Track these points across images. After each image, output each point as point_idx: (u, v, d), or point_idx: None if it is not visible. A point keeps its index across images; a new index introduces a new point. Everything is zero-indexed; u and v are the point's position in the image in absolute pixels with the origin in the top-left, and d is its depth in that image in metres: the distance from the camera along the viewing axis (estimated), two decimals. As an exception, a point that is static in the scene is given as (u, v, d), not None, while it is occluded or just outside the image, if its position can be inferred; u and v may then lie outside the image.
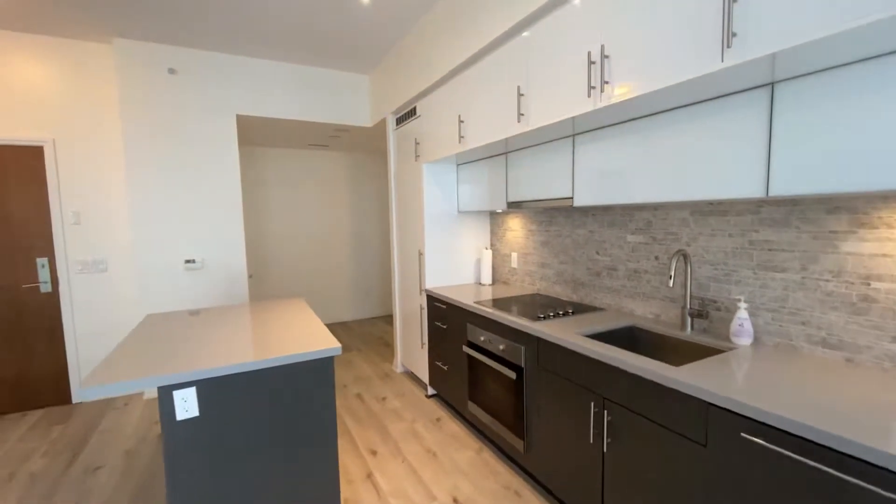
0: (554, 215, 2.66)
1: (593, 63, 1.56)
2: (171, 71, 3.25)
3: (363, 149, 5.39)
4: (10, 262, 3.02)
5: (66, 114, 3.14)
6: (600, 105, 1.55)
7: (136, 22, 2.84)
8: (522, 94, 1.97)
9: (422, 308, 3.21)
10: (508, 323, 2.11)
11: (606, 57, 1.52)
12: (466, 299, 2.61)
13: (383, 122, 3.83)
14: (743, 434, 1.15)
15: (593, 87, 1.56)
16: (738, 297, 1.67)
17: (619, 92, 1.48)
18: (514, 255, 3.06)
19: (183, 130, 3.31)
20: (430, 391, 3.20)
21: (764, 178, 1.30)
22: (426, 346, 3.16)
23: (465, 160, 2.96)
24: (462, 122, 2.51)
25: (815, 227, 1.46)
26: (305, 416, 1.71)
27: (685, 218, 1.88)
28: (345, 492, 2.11)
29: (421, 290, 3.20)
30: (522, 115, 1.98)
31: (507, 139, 2.17)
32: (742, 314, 1.61)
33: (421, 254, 3.17)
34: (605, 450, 1.60)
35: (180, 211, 3.35)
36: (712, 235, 1.78)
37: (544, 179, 2.23)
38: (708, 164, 1.45)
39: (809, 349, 1.49)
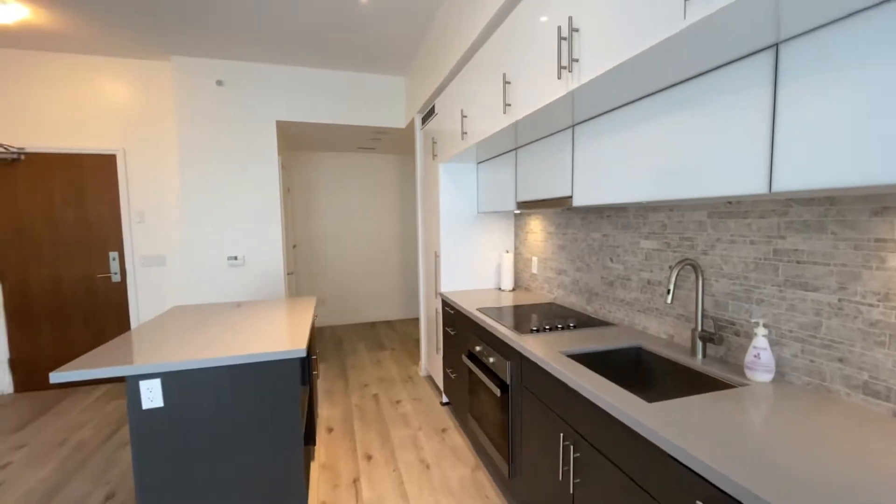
0: (571, 216, 2.40)
1: (563, 39, 1.34)
2: (219, 83, 3.53)
3: (409, 150, 5.42)
4: (88, 255, 3.51)
5: (134, 126, 3.56)
6: (572, 86, 1.32)
7: (191, 40, 3.12)
8: (508, 82, 1.77)
9: (437, 312, 3.10)
10: (497, 334, 1.92)
11: (576, 30, 1.29)
12: (472, 305, 2.45)
13: (413, 123, 3.79)
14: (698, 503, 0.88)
15: (564, 68, 1.34)
16: (757, 321, 1.33)
17: (589, 69, 1.24)
18: (535, 260, 2.82)
19: (228, 137, 3.58)
20: (445, 399, 3.08)
21: (765, 167, 1.00)
22: (441, 352, 3.05)
23: (485, 158, 2.79)
24: (465, 117, 2.36)
25: (857, 234, 1.10)
26: (268, 417, 1.70)
27: (702, 221, 1.55)
28: (326, 495, 2.08)
29: (436, 294, 3.10)
30: (509, 105, 1.78)
31: (514, 132, 1.97)
32: (760, 342, 1.27)
33: (437, 255, 3.06)
34: (571, 490, 1.36)
35: (225, 211, 3.62)
36: (732, 242, 1.44)
37: (547, 177, 2.00)
38: (697, 154, 1.16)
39: (847, 395, 1.13)
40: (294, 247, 5.03)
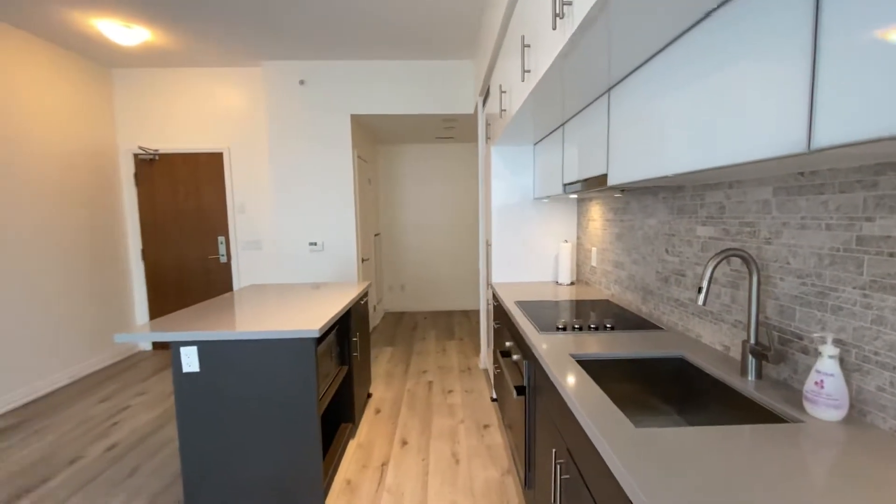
0: (628, 200, 2.06)
1: (559, -20, 1.11)
2: (302, 82, 3.84)
3: (489, 137, 5.28)
4: (203, 239, 4.14)
5: (236, 126, 4.07)
6: (567, 35, 1.09)
7: (278, 45, 3.45)
8: (527, 45, 1.56)
9: (488, 303, 2.96)
10: (520, 330, 1.74)
11: (567, -33, 1.06)
12: (513, 298, 2.27)
13: (477, 108, 3.65)
14: (644, 568, 0.66)
15: (557, 16, 1.11)
16: (824, 335, 0.96)
17: (580, 10, 1.01)
18: (594, 251, 2.51)
19: (309, 133, 3.88)
20: (494, 394, 2.94)
21: (805, 115, 0.69)
22: (491, 346, 2.92)
23: (540, 136, 2.55)
24: (503, 92, 2.17)
25: (983, 212, 0.71)
26: (286, 390, 1.79)
27: (765, 200, 1.18)
28: (353, 474, 2.14)
29: (488, 285, 2.96)
30: (528, 71, 1.57)
31: (548, 103, 1.75)
32: (826, 365, 0.92)
33: (489, 244, 2.92)
34: (559, 517, 1.16)
35: (306, 201, 3.95)
36: (802, 227, 1.06)
37: (585, 153, 1.74)
38: (715, 110, 0.87)
39: (957, 457, 0.74)
40: (376, 235, 5.29)
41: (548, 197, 2.55)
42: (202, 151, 4.05)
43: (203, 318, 1.97)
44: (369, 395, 3.06)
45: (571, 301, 2.17)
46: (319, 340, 2.00)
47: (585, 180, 1.73)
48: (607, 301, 2.16)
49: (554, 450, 1.22)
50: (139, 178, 4.06)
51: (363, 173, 4.52)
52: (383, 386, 3.24)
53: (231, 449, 1.81)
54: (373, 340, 4.44)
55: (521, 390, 1.69)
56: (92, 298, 3.70)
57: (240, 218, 4.15)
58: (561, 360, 1.31)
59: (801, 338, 1.07)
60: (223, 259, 4.17)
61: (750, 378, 1.14)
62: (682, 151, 1.03)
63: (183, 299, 4.19)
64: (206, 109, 4.03)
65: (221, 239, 4.15)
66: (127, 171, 4.05)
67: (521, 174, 2.81)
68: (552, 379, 1.23)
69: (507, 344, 2.04)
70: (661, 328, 1.64)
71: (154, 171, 4.06)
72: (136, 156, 4.03)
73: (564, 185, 2.08)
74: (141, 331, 1.76)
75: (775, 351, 1.11)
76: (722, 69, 0.88)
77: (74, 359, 3.51)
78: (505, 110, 2.16)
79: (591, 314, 1.87)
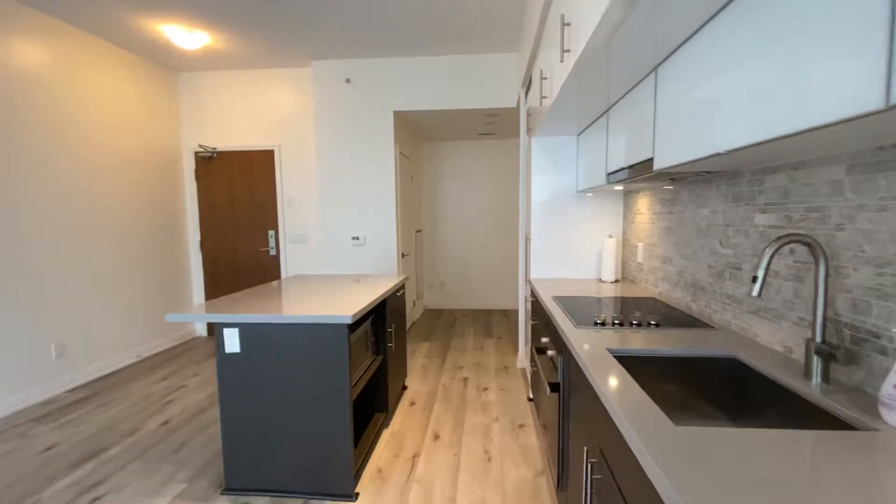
0: (678, 190, 1.91)
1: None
2: (348, 81, 3.94)
3: (533, 133, 5.16)
4: (255, 232, 4.36)
5: (286, 124, 4.25)
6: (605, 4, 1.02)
7: (327, 44, 3.57)
8: (567, 24, 1.49)
9: (526, 300, 2.88)
10: (556, 325, 1.67)
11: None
12: (551, 293, 2.19)
13: (520, 101, 3.57)
14: (674, 575, 0.58)
15: (596, -17, 1.04)
16: (913, 333, 0.82)
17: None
18: (641, 247, 2.36)
19: (353, 130, 3.97)
20: (530, 394, 2.85)
21: (883, 67, 0.59)
22: (528, 343, 2.83)
23: (585, 126, 2.45)
24: (544, 78, 2.10)
25: None
26: (320, 374, 1.83)
27: (837, 181, 1.04)
28: (385, 462, 2.15)
29: (526, 281, 2.88)
30: (567, 51, 1.50)
31: (592, 87, 1.67)
32: (909, 367, 0.79)
33: (528, 239, 2.84)
34: (588, 520, 1.09)
35: (349, 196, 4.05)
36: (880, 210, 0.93)
37: (630, 138, 1.63)
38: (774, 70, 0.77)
39: None
40: (418, 231, 5.33)
41: (591, 190, 2.43)
42: (255, 149, 4.27)
43: (246, 302, 2.05)
44: (404, 388, 3.07)
45: (614, 298, 2.05)
46: (353, 328, 2.03)
47: (631, 167, 1.63)
48: (653, 299, 2.03)
49: (586, 448, 1.14)
50: (199, 173, 4.34)
51: (405, 170, 4.56)
52: (419, 379, 3.24)
53: (267, 429, 1.87)
54: (411, 335, 4.47)
55: (554, 387, 1.61)
56: (156, 285, 4.01)
57: (288, 212, 4.33)
58: (597, 355, 1.23)
59: (877, 336, 0.93)
60: (272, 252, 4.37)
61: (815, 381, 1.01)
62: (737, 124, 0.93)
63: (235, 288, 4.43)
64: (259, 109, 4.24)
65: (271, 232, 4.35)
66: (188, 167, 4.34)
67: (563, 167, 2.70)
68: (585, 373, 1.16)
69: (543, 340, 1.96)
70: (713, 327, 1.51)
71: (212, 167, 4.32)
72: (196, 153, 4.31)
73: (608, 174, 1.98)
74: (190, 311, 1.86)
75: (846, 351, 0.98)
76: (783, 24, 0.78)
77: (139, 340, 3.81)
78: (546, 97, 2.08)
79: (634, 311, 1.76)
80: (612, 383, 1.01)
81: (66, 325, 3.14)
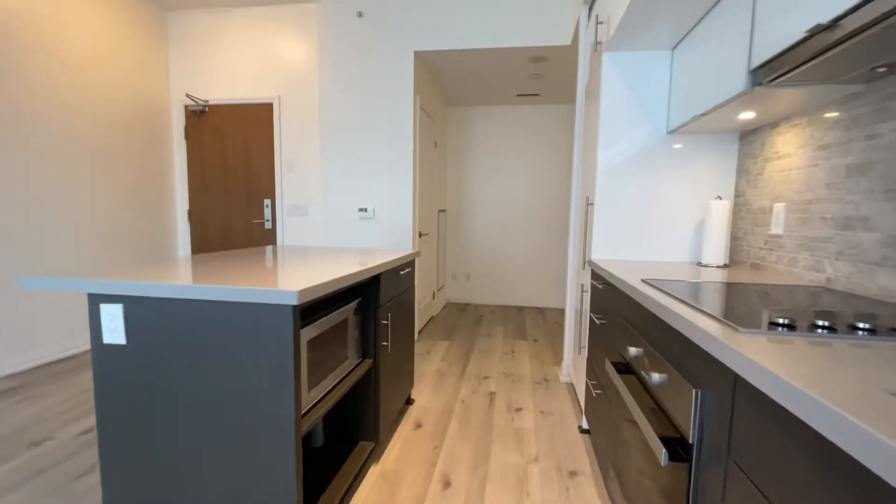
0: (891, 94, 1.05)
1: None
2: (359, 14, 3.21)
3: (584, 96, 4.27)
4: (249, 201, 3.71)
5: (287, 73, 3.56)
6: None
7: (320, -38, 2.85)
8: None
9: (583, 290, 2.05)
10: (677, 324, 0.85)
11: None
12: (634, 275, 1.37)
13: (578, 30, 2.72)
14: None
15: None
16: None
17: None
18: (779, 210, 1.49)
19: (365, 76, 3.24)
20: (585, 423, 2.02)
21: None
22: (584, 351, 2.01)
23: (689, 27, 1.60)
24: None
25: None
26: (251, 389, 1.08)
27: None
28: (363, 526, 1.39)
29: (584, 263, 2.05)
30: None
31: None
32: None
33: (590, 203, 2.01)
34: None
35: (357, 159, 3.32)
36: None
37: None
38: None
39: None
40: (441, 212, 4.56)
41: (694, 125, 1.57)
42: (251, 102, 3.61)
43: (151, 270, 1.34)
44: (409, 401, 2.31)
45: (751, 285, 1.21)
46: (311, 314, 1.27)
47: (803, 41, 0.78)
48: (825, 288, 1.17)
49: None
50: (188, 131, 3.73)
51: (427, 132, 3.79)
52: (430, 390, 2.47)
53: (169, 472, 1.15)
54: (428, 332, 3.71)
55: (677, 450, 0.80)
56: (139, 259, 3.42)
57: (287, 178, 3.65)
58: (861, 401, 0.41)
59: None
60: (268, 225, 3.70)
61: None
62: None
63: (224, 267, 3.81)
64: (256, 55, 3.57)
65: (267, 202, 3.69)
66: (177, 124, 3.73)
67: (647, 99, 1.85)
68: (869, 457, 0.35)
69: (633, 351, 1.14)
70: None
71: (203, 124, 3.70)
72: (186, 107, 3.70)
73: (752, 69, 1.13)
74: (48, 276, 1.15)
75: None
76: None
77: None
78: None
79: (813, 307, 0.92)
80: None
81: (7, 311, 2.56)
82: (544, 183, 4.67)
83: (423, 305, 3.82)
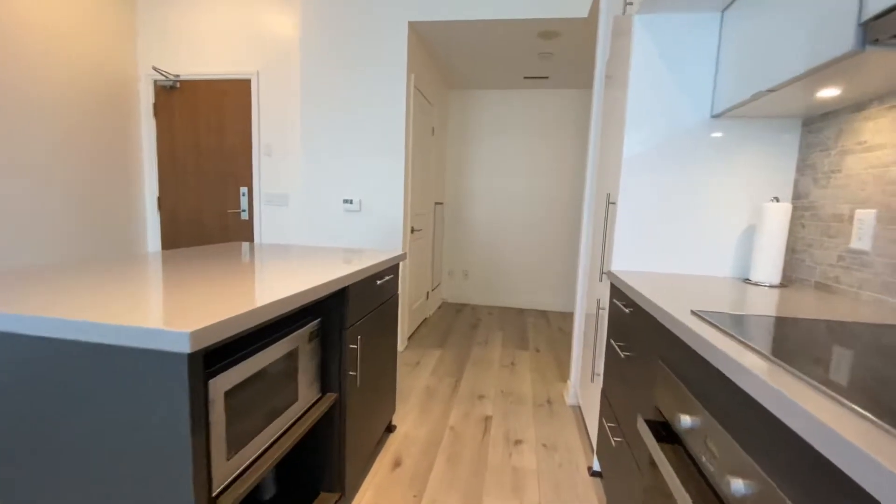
0: None
1: None
2: (347, -21, 2.82)
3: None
4: (223, 189, 3.35)
5: (267, 47, 3.18)
6: None
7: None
8: None
9: (599, 307, 1.71)
10: (796, 426, 0.51)
11: None
12: (677, 303, 1.03)
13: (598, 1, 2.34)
14: None
15: None
16: None
17: None
18: (866, 218, 1.14)
19: (351, 50, 2.86)
20: (595, 464, 1.69)
21: None
22: (599, 380, 1.67)
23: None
24: None
25: None
26: (135, 460, 0.75)
27: None
28: None
29: (601, 274, 1.70)
30: None
31: None
32: None
33: (611, 202, 1.66)
34: None
35: (344, 148, 2.96)
36: None
37: None
38: None
39: None
40: (438, 204, 4.20)
41: (751, 107, 1.22)
42: (227, 78, 3.23)
43: (3, 282, 1.00)
44: (390, 429, 1.98)
45: (839, 324, 0.86)
46: (236, 350, 0.93)
47: None
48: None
49: None
50: (158, 108, 3.36)
51: (423, 117, 3.42)
52: (416, 413, 2.14)
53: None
54: (419, 337, 3.38)
55: None
56: (104, 252, 3.08)
57: (265, 163, 3.29)
58: None
59: None
60: (244, 215, 3.36)
61: None
62: None
63: (197, 260, 3.46)
64: (233, 24, 3.18)
65: (244, 190, 3.33)
66: (146, 101, 3.36)
67: (686, 75, 1.49)
68: None
69: (686, 420, 0.80)
70: None
71: (174, 101, 3.33)
72: (155, 82, 3.32)
73: (863, 21, 0.78)
74: None
75: None
76: None
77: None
78: None
79: None
80: None
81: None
82: (551, 175, 4.30)
83: (416, 307, 3.49)
